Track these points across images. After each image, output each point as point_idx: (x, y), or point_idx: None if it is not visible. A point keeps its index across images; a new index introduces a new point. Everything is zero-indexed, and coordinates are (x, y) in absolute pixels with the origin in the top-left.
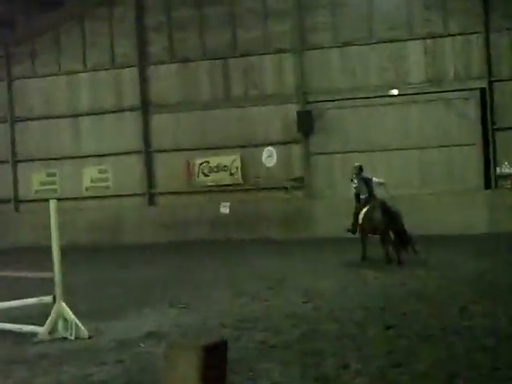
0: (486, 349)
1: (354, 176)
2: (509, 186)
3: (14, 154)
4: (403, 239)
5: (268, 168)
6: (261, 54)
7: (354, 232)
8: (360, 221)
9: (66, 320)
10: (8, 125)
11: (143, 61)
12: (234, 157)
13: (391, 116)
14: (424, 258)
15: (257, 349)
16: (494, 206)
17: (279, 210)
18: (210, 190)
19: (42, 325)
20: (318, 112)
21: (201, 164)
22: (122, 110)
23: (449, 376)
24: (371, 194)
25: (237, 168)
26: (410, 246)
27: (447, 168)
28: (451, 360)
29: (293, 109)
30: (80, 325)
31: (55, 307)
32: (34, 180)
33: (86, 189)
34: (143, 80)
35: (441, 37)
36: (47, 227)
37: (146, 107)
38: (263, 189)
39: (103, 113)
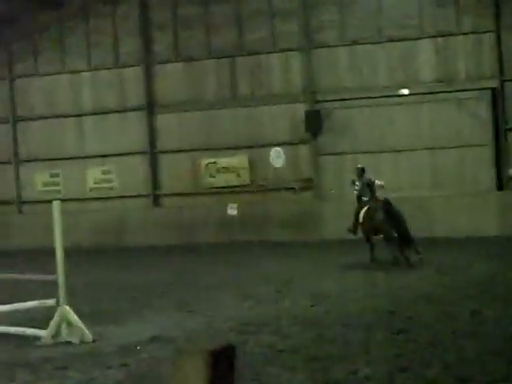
0: (497, 353)
1: (356, 178)
2: None
3: (16, 154)
4: (406, 239)
5: (276, 169)
6: (268, 53)
7: (354, 232)
8: (360, 220)
9: (69, 323)
10: (10, 124)
11: (148, 59)
12: (241, 157)
13: (401, 116)
14: (433, 260)
15: (264, 353)
16: (506, 208)
17: (287, 211)
18: (216, 192)
19: (45, 328)
20: (326, 112)
21: (207, 165)
22: (127, 110)
23: (459, 381)
24: (373, 196)
25: (244, 169)
26: (412, 247)
27: (458, 169)
28: (462, 365)
29: (300, 108)
30: (84, 328)
31: (59, 310)
32: (37, 181)
33: (90, 190)
34: (148, 79)
35: (452, 35)
36: (50, 229)
37: (150, 107)
38: (271, 190)
39: (107, 112)
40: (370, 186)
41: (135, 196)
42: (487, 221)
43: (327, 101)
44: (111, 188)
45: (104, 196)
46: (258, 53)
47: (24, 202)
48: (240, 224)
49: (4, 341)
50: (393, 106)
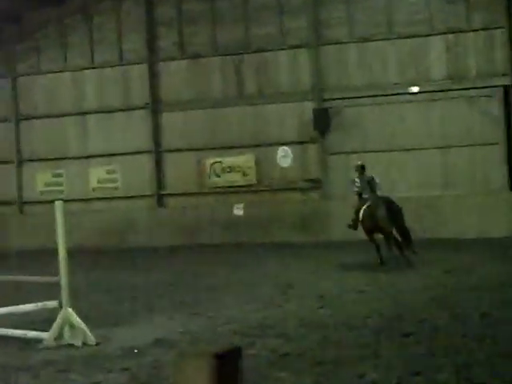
0: (509, 356)
1: (357, 176)
2: None
3: (18, 153)
4: (406, 237)
5: (283, 168)
6: (275, 50)
7: (354, 228)
8: (360, 217)
9: (72, 326)
10: (12, 123)
11: (152, 57)
12: (247, 157)
13: (411, 114)
14: (442, 261)
15: (269, 357)
16: None
17: (294, 212)
18: (222, 192)
19: (47, 330)
20: (334, 110)
21: (212, 164)
22: (131, 108)
23: None
24: (374, 193)
25: (250, 168)
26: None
27: (469, 168)
28: (473, 368)
29: (309, 106)
30: (87, 331)
31: (61, 312)
32: (39, 180)
33: (93, 190)
34: (152, 77)
35: (463, 32)
36: (53, 229)
37: (155, 105)
38: (278, 190)
39: (111, 111)
40: (370, 183)
41: (140, 196)
42: (499, 221)
43: (336, 99)
44: (115, 188)
45: (108, 196)
46: (265, 50)
47: (26, 203)
48: (246, 225)
49: (5, 344)
50: (403, 103)
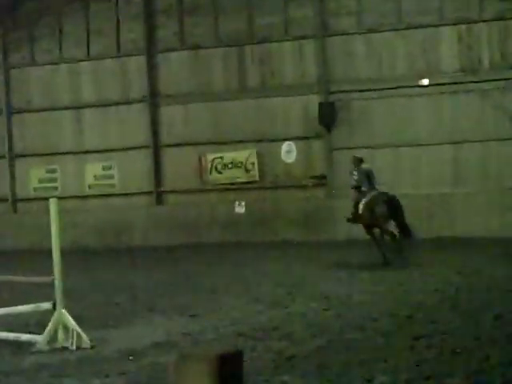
0: None
1: (355, 168)
2: None
3: (10, 148)
4: (405, 232)
5: (287, 164)
6: (279, 41)
7: (354, 221)
8: (360, 211)
9: (66, 328)
10: (5, 117)
11: (151, 48)
12: (249, 152)
13: (421, 108)
14: (454, 261)
15: (274, 360)
16: None
17: (298, 209)
18: (223, 188)
19: (41, 333)
20: (341, 103)
21: (213, 160)
22: (129, 102)
23: None
24: (373, 186)
25: (253, 164)
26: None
27: (482, 164)
28: (486, 372)
29: (314, 100)
30: (82, 333)
31: (55, 314)
32: (33, 177)
33: (89, 186)
34: (151, 69)
35: (475, 22)
36: (47, 228)
37: (154, 98)
38: (281, 187)
39: (108, 104)
40: (368, 177)
41: (137, 193)
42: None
43: (342, 92)
44: (112, 185)
45: (104, 193)
46: (269, 40)
47: (19, 200)
48: (248, 223)
49: None
50: (412, 97)
